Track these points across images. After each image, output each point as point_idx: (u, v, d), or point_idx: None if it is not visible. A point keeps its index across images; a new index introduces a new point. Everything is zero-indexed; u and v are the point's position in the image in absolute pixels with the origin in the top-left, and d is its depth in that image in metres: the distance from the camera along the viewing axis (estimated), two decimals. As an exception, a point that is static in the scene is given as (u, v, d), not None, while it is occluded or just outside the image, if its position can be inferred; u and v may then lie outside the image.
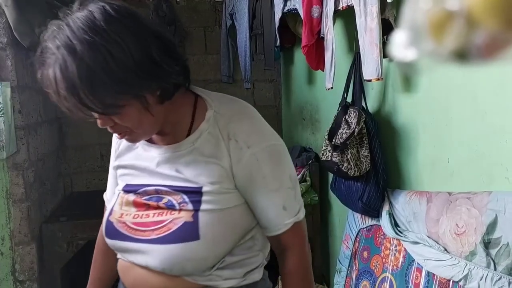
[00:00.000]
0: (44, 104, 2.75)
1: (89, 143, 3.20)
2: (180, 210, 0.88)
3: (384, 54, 1.54)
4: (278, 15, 2.43)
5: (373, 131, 1.78)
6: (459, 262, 1.28)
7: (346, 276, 1.99)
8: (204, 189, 0.88)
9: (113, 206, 0.97)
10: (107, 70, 0.75)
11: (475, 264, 1.22)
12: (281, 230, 0.93)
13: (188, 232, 0.87)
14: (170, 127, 0.93)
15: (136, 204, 0.93)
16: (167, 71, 0.83)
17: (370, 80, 1.62)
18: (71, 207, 2.76)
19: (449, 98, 1.40)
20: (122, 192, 0.97)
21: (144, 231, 0.89)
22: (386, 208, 1.72)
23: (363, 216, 1.89)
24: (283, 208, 0.92)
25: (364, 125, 1.77)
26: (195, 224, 0.87)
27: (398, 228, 1.65)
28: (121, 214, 0.94)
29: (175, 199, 0.89)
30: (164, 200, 0.90)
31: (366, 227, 1.88)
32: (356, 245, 1.94)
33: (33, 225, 2.33)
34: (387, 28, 1.57)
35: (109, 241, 0.96)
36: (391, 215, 1.69)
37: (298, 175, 2.58)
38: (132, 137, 0.88)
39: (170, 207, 0.89)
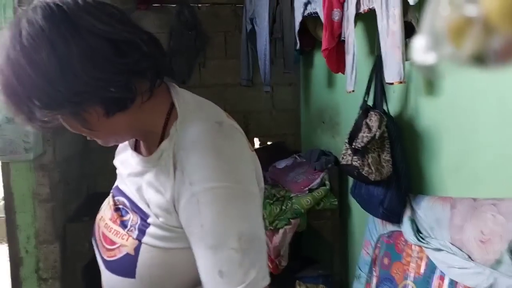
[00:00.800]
0: (69, 106, 2.81)
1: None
2: (128, 235, 0.77)
3: (407, 57, 1.52)
4: (298, 19, 2.42)
5: (395, 135, 1.76)
6: (484, 270, 1.25)
7: (366, 282, 1.96)
8: (149, 220, 0.76)
9: (103, 204, 0.91)
10: (23, 85, 0.66)
11: (501, 273, 1.18)
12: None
13: (126, 267, 0.76)
14: (143, 137, 0.82)
15: (111, 210, 0.84)
16: (100, 85, 0.68)
17: (392, 83, 1.60)
18: (94, 207, 2.79)
19: (475, 102, 1.37)
20: (112, 192, 0.90)
21: (104, 246, 0.82)
22: (408, 214, 1.69)
23: (384, 222, 1.86)
24: (219, 274, 0.69)
25: (385, 129, 1.74)
26: (135, 259, 0.75)
27: (420, 235, 1.62)
28: (101, 216, 0.87)
29: (132, 221, 0.78)
30: (125, 217, 0.80)
31: (387, 233, 1.85)
32: (377, 251, 1.91)
33: (57, 225, 2.39)
34: (409, 30, 1.55)
35: (93, 241, 0.89)
36: (413, 221, 1.66)
37: (317, 179, 2.57)
38: (102, 141, 0.80)
39: (124, 227, 0.79)
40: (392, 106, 1.87)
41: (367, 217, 2.03)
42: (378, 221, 1.90)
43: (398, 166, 1.74)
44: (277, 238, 2.47)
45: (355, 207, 2.33)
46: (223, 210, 0.71)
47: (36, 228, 2.32)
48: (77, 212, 2.72)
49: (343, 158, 1.87)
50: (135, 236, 0.76)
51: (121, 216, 0.81)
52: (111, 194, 0.88)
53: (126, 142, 0.89)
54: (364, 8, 1.75)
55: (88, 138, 0.79)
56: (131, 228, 0.77)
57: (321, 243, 2.90)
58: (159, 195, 0.75)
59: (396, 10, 1.51)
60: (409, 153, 1.78)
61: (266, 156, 3.24)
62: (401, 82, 1.56)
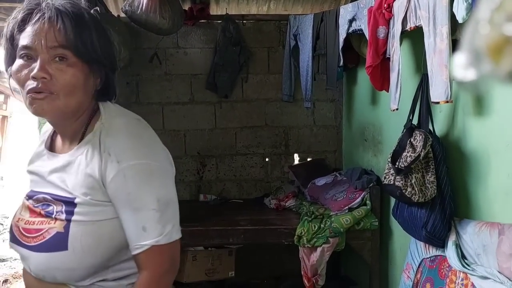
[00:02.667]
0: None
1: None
2: (55, 219, 0.91)
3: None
4: (342, 35, 2.42)
5: (440, 156, 1.70)
6: (535, 303, 1.17)
7: (407, 307, 1.89)
8: (77, 200, 0.91)
9: (16, 211, 1.01)
10: (100, 33, 0.96)
11: (554, 307, 1.11)
12: (138, 250, 0.92)
13: (58, 242, 0.90)
14: (70, 132, 0.98)
15: (30, 210, 0.97)
16: (113, 64, 1.00)
17: (438, 103, 1.56)
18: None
19: (527, 124, 1.31)
20: (25, 197, 1.01)
21: (28, 237, 0.93)
22: (452, 238, 1.62)
23: (427, 245, 1.79)
24: (142, 229, 0.91)
25: (430, 149, 1.69)
26: (65, 235, 0.90)
27: (466, 261, 1.54)
28: (18, 219, 0.98)
29: (56, 208, 0.93)
30: (48, 208, 0.93)
31: (430, 257, 1.78)
32: (418, 276, 1.83)
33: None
34: (458, 49, 1.51)
35: (10, 245, 0.98)
36: (458, 246, 1.59)
37: (357, 198, 2.52)
38: (48, 104, 0.89)
39: (49, 215, 0.93)
40: (438, 126, 1.81)
41: (409, 240, 1.96)
42: (420, 244, 1.84)
43: (443, 188, 1.68)
44: (314, 256, 2.43)
45: (397, 228, 2.26)
46: (145, 181, 0.92)
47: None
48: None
49: (385, 177, 1.82)
50: (63, 218, 0.91)
51: (44, 209, 0.94)
52: (24, 199, 1.01)
53: (38, 150, 1.04)
54: (410, 25, 1.73)
55: (33, 95, 0.89)
56: (58, 214, 0.92)
57: (360, 264, 2.83)
58: (88, 177, 0.91)
59: (444, 28, 1.47)
60: (455, 175, 1.71)
61: (306, 173, 3.22)
62: (447, 102, 1.52)
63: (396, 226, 2.25)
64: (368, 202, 2.52)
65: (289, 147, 3.50)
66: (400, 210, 1.87)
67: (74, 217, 0.90)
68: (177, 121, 3.38)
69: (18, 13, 0.92)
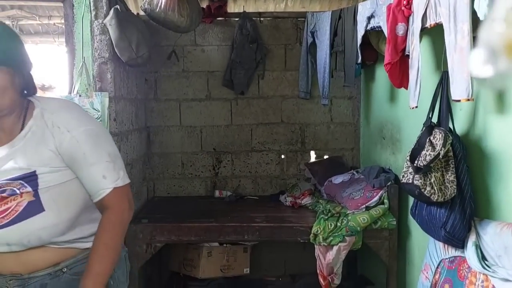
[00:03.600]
0: (136, 113, 2.98)
1: (172, 151, 3.39)
2: (21, 194, 1.07)
3: (476, 73, 1.45)
4: (360, 32, 2.39)
5: (461, 155, 1.67)
6: (558, 306, 1.14)
7: (424, 308, 1.87)
8: (38, 171, 1.09)
9: None
10: (10, 38, 1.09)
11: None
12: (103, 194, 1.14)
13: (33, 208, 1.07)
14: (8, 125, 1.13)
15: None
16: (28, 64, 1.15)
17: (459, 100, 1.53)
18: (152, 211, 2.94)
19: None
20: None
21: None
22: (472, 238, 1.59)
23: (446, 246, 1.76)
24: (103, 177, 1.14)
25: (450, 148, 1.66)
26: (38, 200, 1.08)
27: (486, 262, 1.51)
28: None
29: (15, 187, 1.08)
30: (7, 192, 1.07)
31: (449, 257, 1.75)
32: (437, 277, 1.81)
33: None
34: (480, 45, 1.48)
35: None
36: (478, 247, 1.56)
37: (375, 196, 2.49)
38: None
39: (13, 194, 1.07)
40: (459, 124, 1.78)
41: (427, 240, 1.93)
42: (439, 244, 1.81)
43: (463, 188, 1.65)
44: (330, 255, 2.42)
45: (415, 228, 2.23)
46: (95, 141, 1.15)
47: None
48: (136, 214, 2.85)
49: (403, 176, 1.80)
50: (29, 190, 1.08)
51: (1, 194, 1.08)
52: None
53: None
54: (430, 22, 1.70)
55: None
56: (21, 189, 1.07)
57: (377, 264, 2.80)
58: (42, 150, 1.09)
59: (465, 25, 1.44)
60: (476, 175, 1.68)
61: (322, 171, 3.20)
62: (468, 100, 1.49)
63: (414, 226, 2.23)
64: (385, 201, 2.49)
65: (305, 144, 3.49)
66: (418, 210, 1.85)
67: (40, 185, 1.09)
68: (194, 117, 3.40)
69: None
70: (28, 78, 1.17)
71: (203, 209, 2.97)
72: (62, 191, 1.12)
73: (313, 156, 3.53)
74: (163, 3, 2.53)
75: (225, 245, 2.98)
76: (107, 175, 1.15)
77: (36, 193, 1.08)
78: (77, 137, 1.12)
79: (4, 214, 1.07)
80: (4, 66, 1.07)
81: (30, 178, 1.08)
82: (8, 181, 1.08)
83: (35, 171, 1.08)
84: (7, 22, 3.56)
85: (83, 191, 1.17)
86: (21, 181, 1.08)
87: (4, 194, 1.07)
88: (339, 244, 2.40)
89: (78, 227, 1.17)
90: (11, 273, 1.12)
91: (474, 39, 1.46)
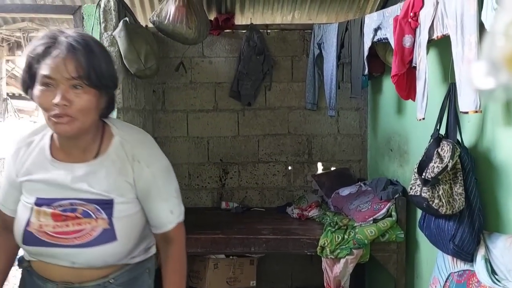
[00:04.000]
0: (144, 124, 3.00)
1: (179, 162, 3.40)
2: (96, 219, 1.10)
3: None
4: (367, 44, 2.40)
5: (469, 167, 1.65)
6: None
7: (433, 323, 1.83)
8: (116, 200, 1.12)
9: (29, 218, 1.12)
10: (107, 60, 1.10)
11: None
12: (169, 228, 1.22)
13: (107, 236, 1.10)
14: (83, 144, 1.14)
15: (53, 216, 1.10)
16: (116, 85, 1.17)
17: (466, 112, 1.52)
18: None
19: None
20: (35, 205, 1.12)
21: (67, 238, 1.09)
22: (481, 252, 1.57)
23: (455, 259, 1.73)
24: (170, 212, 1.21)
25: (458, 160, 1.65)
26: (112, 229, 1.11)
27: (496, 276, 1.49)
28: (39, 225, 1.10)
29: (89, 210, 1.10)
30: (79, 211, 1.10)
31: (458, 271, 1.72)
32: (446, 290, 1.78)
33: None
34: (487, 57, 1.47)
35: (28, 248, 1.14)
36: (488, 261, 1.53)
37: (383, 209, 2.47)
38: (69, 126, 1.06)
39: (86, 216, 1.10)
40: (467, 136, 1.76)
41: (436, 253, 1.90)
42: (448, 257, 1.78)
43: (472, 200, 1.63)
44: (337, 268, 2.40)
45: (423, 241, 2.20)
46: (167, 177, 1.22)
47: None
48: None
49: (411, 188, 1.79)
50: (104, 217, 1.10)
51: (75, 213, 1.10)
52: (34, 206, 1.12)
53: (34, 160, 1.16)
54: (437, 34, 1.70)
55: (56, 120, 1.05)
56: (96, 214, 1.10)
57: (385, 277, 2.77)
58: (121, 181, 1.13)
59: (472, 37, 1.44)
60: (484, 187, 1.66)
61: (329, 182, 3.19)
62: (476, 112, 1.48)
63: (422, 239, 2.20)
64: (393, 213, 2.47)
65: (312, 156, 3.48)
66: (427, 222, 1.83)
67: (114, 214, 1.12)
68: (201, 128, 3.41)
69: (37, 47, 1.05)
70: (112, 98, 1.19)
71: (210, 220, 2.96)
72: (131, 222, 1.16)
73: (320, 168, 3.51)
74: (171, 16, 2.57)
75: (231, 257, 2.96)
76: (174, 210, 1.22)
77: (110, 222, 1.11)
78: (155, 173, 1.17)
79: (77, 235, 1.10)
80: (95, 89, 1.07)
81: (106, 206, 1.11)
82: (82, 202, 1.11)
83: (112, 200, 1.12)
84: (18, 34, 3.62)
85: (144, 220, 1.22)
86: (96, 206, 1.10)
87: (77, 214, 1.10)
88: (347, 257, 2.37)
89: (133, 250, 1.23)
90: (63, 281, 1.15)
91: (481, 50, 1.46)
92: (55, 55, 1.02)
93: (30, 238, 1.11)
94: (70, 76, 1.02)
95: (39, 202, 1.12)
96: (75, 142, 1.13)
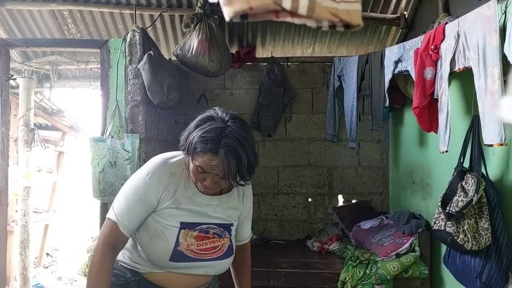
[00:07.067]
0: (164, 155, 3.03)
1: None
2: (224, 237, 1.41)
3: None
4: (388, 76, 2.41)
5: (495, 201, 1.60)
6: None
7: None
8: (234, 223, 1.46)
9: (177, 239, 1.33)
10: (250, 166, 1.26)
11: None
12: (248, 240, 1.59)
13: (230, 250, 1.43)
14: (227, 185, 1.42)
15: (197, 237, 1.36)
16: None
17: (491, 145, 1.49)
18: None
19: None
20: (180, 228, 1.34)
21: (207, 253, 1.38)
22: (512, 291, 1.49)
23: (483, 298, 1.65)
24: (250, 228, 1.58)
25: (484, 194, 1.60)
26: (231, 245, 1.43)
27: (528, 318, 1.41)
28: (187, 244, 1.34)
29: (219, 231, 1.41)
30: (211, 232, 1.39)
31: (487, 311, 1.64)
32: (474, 332, 1.69)
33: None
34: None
35: (174, 263, 1.34)
36: (519, 301, 1.46)
37: (405, 243, 2.40)
38: (213, 191, 1.36)
39: (218, 236, 1.40)
40: (492, 169, 1.72)
41: (462, 291, 1.82)
42: (475, 296, 1.70)
43: (499, 236, 1.57)
44: (359, 304, 2.31)
45: (449, 277, 2.11)
46: (252, 203, 1.56)
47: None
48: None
49: (435, 222, 1.74)
50: (228, 236, 1.42)
51: (211, 233, 1.38)
52: (187, 230, 1.35)
53: (183, 192, 1.36)
54: (459, 66, 1.69)
55: (207, 191, 1.35)
56: (223, 234, 1.41)
57: (408, 315, 2.65)
58: (236, 210, 1.46)
59: (495, 69, 1.43)
60: (511, 222, 1.60)
61: (350, 215, 3.13)
62: (501, 144, 1.45)
63: (447, 275, 2.11)
64: (417, 248, 2.39)
65: (333, 188, 3.44)
66: (452, 258, 1.76)
67: (232, 233, 1.44)
68: (221, 160, 3.43)
69: (204, 142, 1.23)
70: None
71: (228, 251, 2.92)
72: (234, 239, 1.49)
73: (340, 200, 3.46)
74: (194, 49, 2.64)
75: (249, 290, 2.90)
76: (250, 226, 1.58)
77: (230, 240, 1.42)
78: (250, 202, 1.53)
79: (214, 251, 1.39)
80: (242, 182, 1.31)
81: (228, 227, 1.42)
82: (215, 226, 1.40)
83: (232, 223, 1.44)
84: (47, 66, 3.78)
85: None
86: (222, 228, 1.41)
87: (211, 235, 1.39)
88: (368, 293, 2.29)
89: None
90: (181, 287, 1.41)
91: (505, 83, 1.44)
92: (212, 159, 1.22)
93: (179, 255, 1.32)
94: (219, 174, 1.24)
95: (184, 226, 1.34)
96: None
